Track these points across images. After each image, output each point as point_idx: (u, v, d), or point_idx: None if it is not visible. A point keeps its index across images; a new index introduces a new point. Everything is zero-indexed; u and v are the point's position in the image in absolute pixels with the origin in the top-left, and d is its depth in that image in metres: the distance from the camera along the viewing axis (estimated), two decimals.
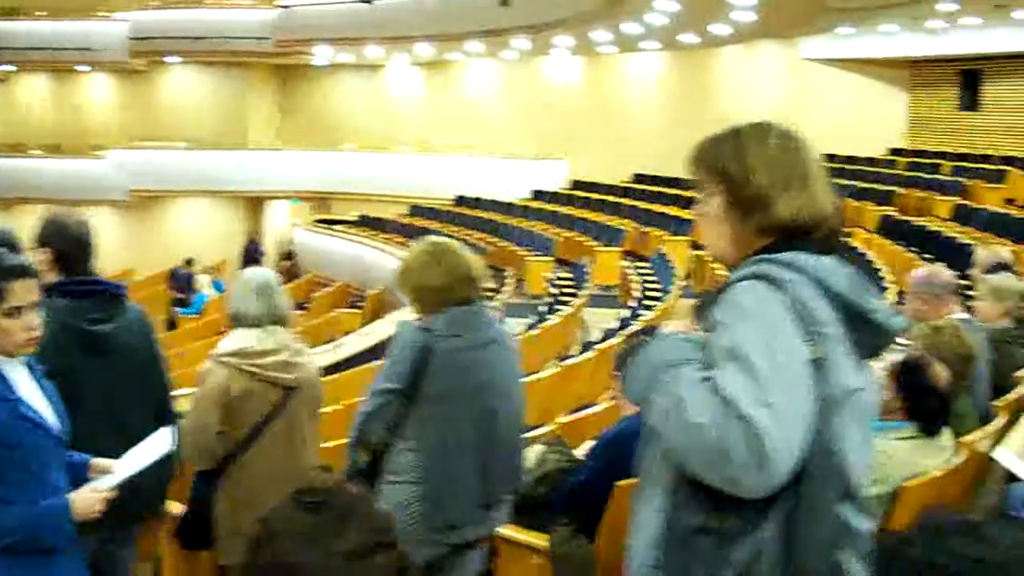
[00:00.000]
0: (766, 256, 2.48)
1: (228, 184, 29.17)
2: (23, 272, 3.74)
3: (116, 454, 4.16)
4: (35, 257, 4.66)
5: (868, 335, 2.47)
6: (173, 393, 4.86)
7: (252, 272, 5.05)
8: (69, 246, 4.80)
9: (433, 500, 4.36)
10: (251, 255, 26.38)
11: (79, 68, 32.03)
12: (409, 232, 24.64)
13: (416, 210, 26.60)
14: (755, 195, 2.56)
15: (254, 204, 30.77)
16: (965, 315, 6.38)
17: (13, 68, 32.62)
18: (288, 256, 27.87)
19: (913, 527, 1.40)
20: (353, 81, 31.00)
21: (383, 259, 20.65)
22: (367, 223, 25.96)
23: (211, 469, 4.89)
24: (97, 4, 31.20)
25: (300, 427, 4.93)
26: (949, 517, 1.40)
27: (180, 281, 23.56)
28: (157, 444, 4.07)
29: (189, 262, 24.06)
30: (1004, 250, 9.83)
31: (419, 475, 4.37)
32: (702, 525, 2.42)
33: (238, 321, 4.91)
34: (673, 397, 2.34)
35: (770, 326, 2.33)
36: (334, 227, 26.16)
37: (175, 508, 5.03)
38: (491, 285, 18.24)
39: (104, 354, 4.66)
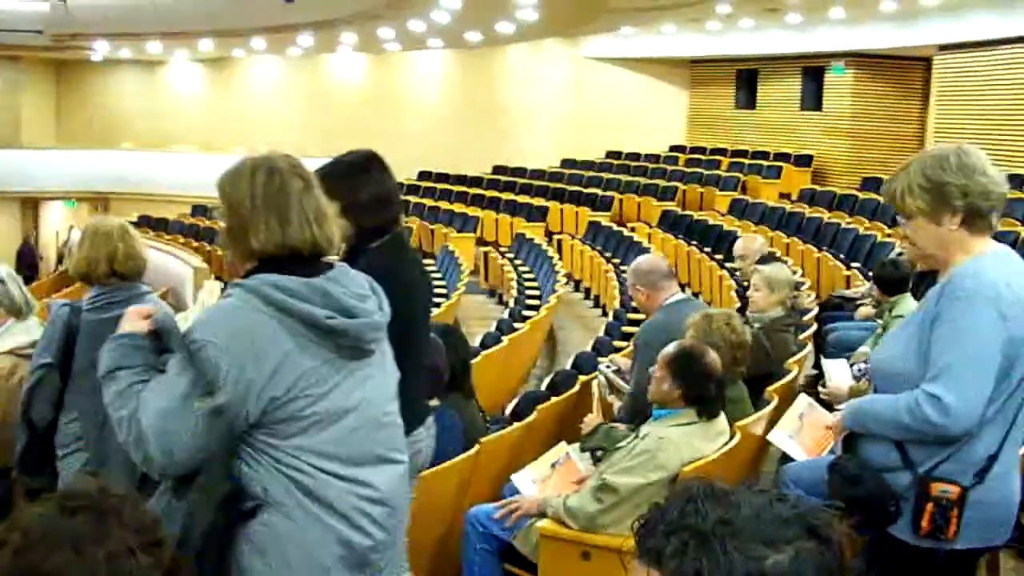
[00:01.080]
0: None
1: (0, 184, 28.07)
2: None
3: None
4: None
5: None
6: None
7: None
8: None
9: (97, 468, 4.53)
10: (26, 257, 25.47)
11: None
12: (194, 232, 24.16)
13: (198, 210, 26.09)
14: None
15: (29, 205, 29.68)
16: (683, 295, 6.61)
17: None
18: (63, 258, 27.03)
19: (671, 493, 1.57)
20: (133, 77, 30.20)
21: (167, 260, 20.19)
22: (149, 224, 25.33)
23: None
24: None
25: None
26: (702, 483, 1.56)
27: None
28: None
29: None
30: (760, 238, 10.18)
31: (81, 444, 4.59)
32: None
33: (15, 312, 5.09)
34: None
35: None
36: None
37: None
38: None
39: None
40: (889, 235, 14.05)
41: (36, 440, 4.64)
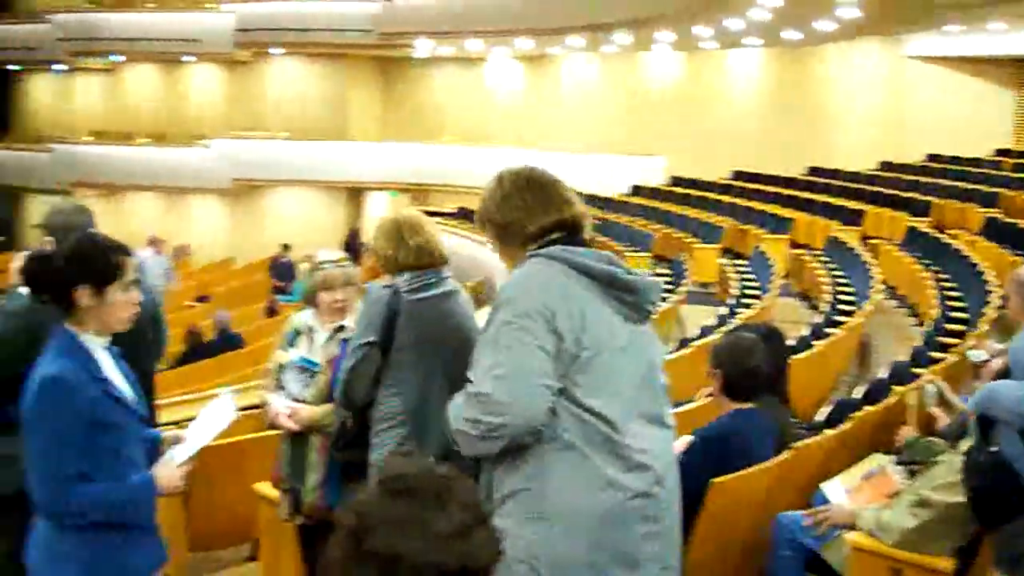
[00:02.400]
0: None
1: (329, 174, 29.46)
2: (129, 249, 3.91)
3: None
4: (46, 246, 5.18)
5: None
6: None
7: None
8: (55, 230, 5.37)
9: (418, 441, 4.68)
10: (351, 245, 26.57)
11: (185, 59, 32.52)
12: None
13: None
14: None
15: (354, 195, 31.04)
16: None
17: (122, 59, 33.29)
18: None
19: None
20: (453, 74, 31.13)
21: (480, 251, 20.67)
22: (465, 215, 26.00)
23: None
24: None
25: None
26: None
27: (281, 269, 23.88)
28: (222, 411, 4.18)
29: (286, 247, 24.36)
30: None
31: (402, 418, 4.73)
32: None
33: None
34: None
35: None
36: (432, 219, 26.17)
37: None
38: None
39: None
40: None
41: (353, 417, 4.86)
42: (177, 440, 4.09)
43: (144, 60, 33.40)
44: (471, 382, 3.39)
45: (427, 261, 4.85)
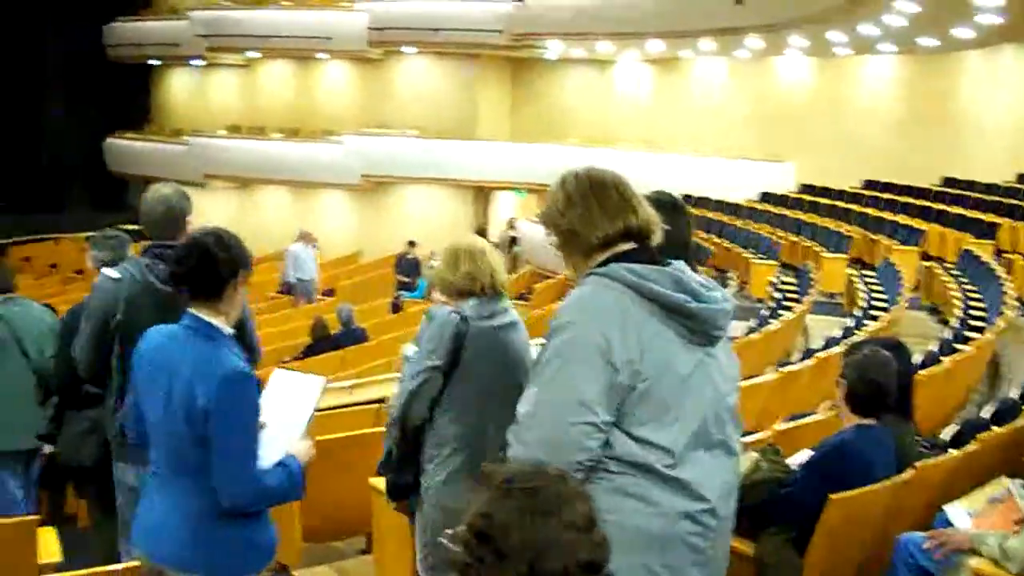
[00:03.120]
0: None
1: (456, 173, 29.66)
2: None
3: None
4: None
5: None
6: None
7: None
8: (152, 218, 5.42)
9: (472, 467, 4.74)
10: None
11: (319, 56, 33.01)
12: None
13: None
14: None
15: (481, 194, 31.21)
16: None
17: (258, 55, 33.94)
18: (511, 246, 28.02)
19: None
20: (583, 76, 31.12)
21: None
22: None
23: None
24: None
25: None
26: None
27: (406, 265, 24.10)
28: (309, 388, 4.19)
29: (411, 244, 24.57)
30: None
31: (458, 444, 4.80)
32: None
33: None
34: None
35: None
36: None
37: None
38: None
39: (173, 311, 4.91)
40: None
41: (405, 439, 4.89)
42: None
43: (278, 56, 34.01)
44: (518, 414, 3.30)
45: (477, 288, 4.90)
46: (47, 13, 34.69)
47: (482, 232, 28.16)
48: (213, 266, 3.85)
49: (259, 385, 3.94)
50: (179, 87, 37.22)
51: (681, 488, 3.25)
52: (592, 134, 29.28)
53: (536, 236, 23.82)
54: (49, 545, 5.81)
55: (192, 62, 35.36)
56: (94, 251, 6.38)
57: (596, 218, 3.39)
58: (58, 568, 5.64)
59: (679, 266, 3.36)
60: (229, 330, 3.96)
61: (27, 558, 5.52)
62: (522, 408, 3.25)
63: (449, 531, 2.15)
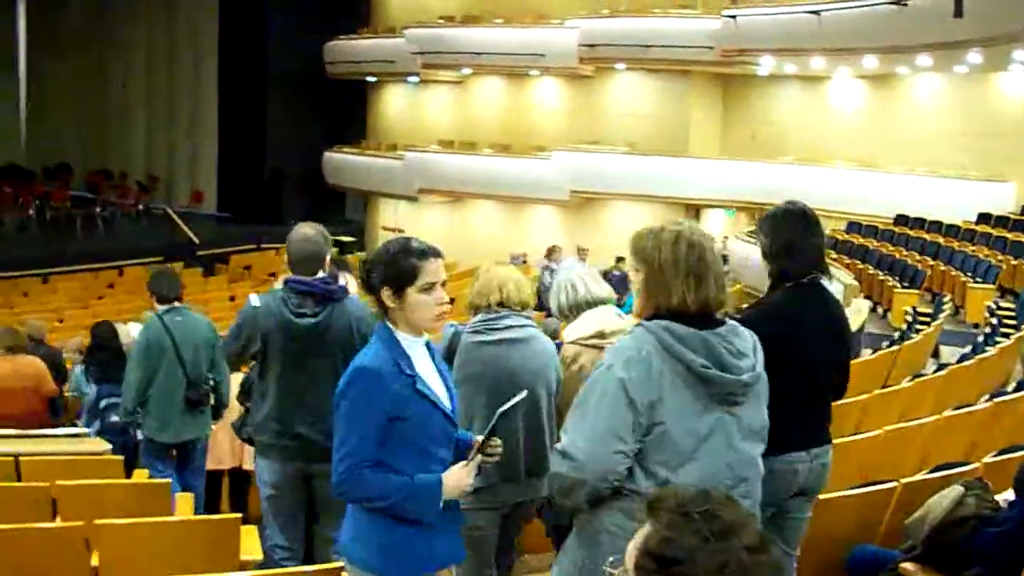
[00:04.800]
0: None
1: (666, 190, 29.51)
2: (431, 253, 4.20)
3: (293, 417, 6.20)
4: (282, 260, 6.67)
5: None
6: None
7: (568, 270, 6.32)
8: (291, 252, 6.35)
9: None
10: None
11: (530, 73, 33.36)
12: (846, 249, 24.09)
13: (853, 226, 26.01)
14: None
15: (689, 211, 30.99)
16: None
17: (469, 71, 34.49)
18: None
19: None
20: (795, 93, 30.62)
21: None
22: None
23: None
24: (550, 13, 32.47)
25: None
26: None
27: (614, 281, 23.98)
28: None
29: (619, 260, 24.60)
30: None
31: None
32: None
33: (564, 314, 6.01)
34: None
35: None
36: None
37: None
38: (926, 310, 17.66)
39: (300, 342, 6.21)
40: None
41: None
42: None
43: (490, 73, 34.48)
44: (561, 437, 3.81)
45: (484, 304, 5.69)
46: (271, 32, 36.03)
47: None
48: (365, 279, 4.23)
49: None
50: (394, 103, 38.10)
51: None
52: (805, 152, 28.75)
53: (748, 255, 23.60)
54: (250, 542, 6.30)
55: (407, 79, 36.15)
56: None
57: (683, 291, 3.76)
58: (258, 566, 6.14)
59: (726, 330, 3.81)
60: (413, 339, 4.23)
61: (230, 554, 5.95)
62: (566, 434, 3.75)
63: (613, 558, 2.23)
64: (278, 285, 6.80)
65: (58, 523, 6.60)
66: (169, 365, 8.44)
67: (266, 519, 6.56)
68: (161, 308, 8.64)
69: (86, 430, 9.20)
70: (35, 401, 10.26)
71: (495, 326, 5.66)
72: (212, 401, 8.75)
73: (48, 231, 32.28)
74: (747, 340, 3.87)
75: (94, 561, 5.99)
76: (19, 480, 7.61)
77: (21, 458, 7.74)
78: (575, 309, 5.92)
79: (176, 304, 8.70)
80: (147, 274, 10.22)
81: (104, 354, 10.50)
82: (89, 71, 40.09)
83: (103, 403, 9.67)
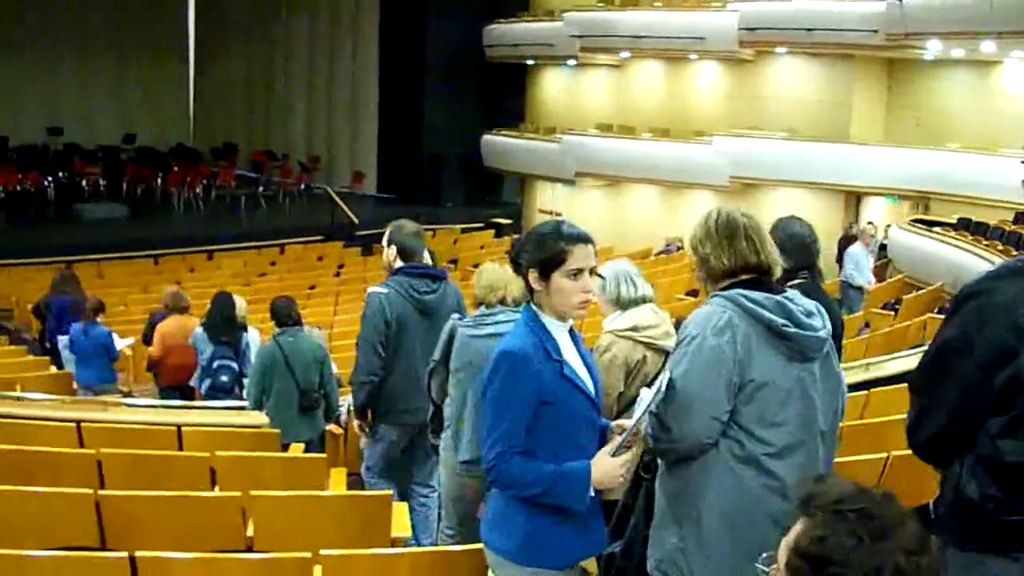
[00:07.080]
0: None
1: (826, 176, 28.92)
2: (582, 238, 4.16)
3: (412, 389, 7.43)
4: (387, 251, 7.60)
5: None
6: None
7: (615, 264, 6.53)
8: (404, 244, 7.55)
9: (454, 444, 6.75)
10: (841, 252, 25.94)
11: (690, 56, 33.09)
12: (1013, 240, 23.38)
13: (1020, 217, 25.25)
14: None
15: (851, 198, 30.40)
16: None
17: (628, 55, 34.36)
18: (881, 253, 26.99)
19: None
20: (963, 77, 29.73)
21: (982, 266, 19.78)
22: (967, 227, 24.85)
23: None
24: None
25: None
26: None
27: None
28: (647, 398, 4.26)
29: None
30: None
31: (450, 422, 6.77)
32: None
33: (620, 304, 6.24)
34: None
35: None
36: (931, 229, 25.02)
37: None
38: None
39: (428, 315, 7.52)
40: None
41: (437, 411, 6.93)
42: (623, 432, 4.13)
43: (649, 57, 34.26)
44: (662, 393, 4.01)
45: (489, 299, 6.63)
46: (430, 16, 36.34)
47: (850, 239, 27.32)
48: (513, 260, 4.33)
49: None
50: (552, 86, 38.15)
51: (774, 480, 3.97)
52: (974, 139, 27.91)
53: (913, 244, 23.04)
54: (402, 519, 6.54)
55: (566, 62, 36.19)
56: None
57: (724, 253, 4.16)
58: (407, 544, 6.39)
59: (791, 295, 4.16)
60: (558, 323, 4.22)
61: (381, 530, 6.15)
62: (663, 404, 3.98)
63: (765, 555, 2.19)
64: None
65: (216, 492, 6.90)
66: (283, 379, 9.71)
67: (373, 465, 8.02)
68: (277, 330, 10.00)
69: (244, 403, 10.17)
70: (194, 355, 11.66)
71: (486, 322, 6.53)
72: (323, 405, 10.06)
73: (213, 209, 33.08)
74: (810, 303, 4.18)
75: (249, 531, 6.22)
76: (181, 449, 8.04)
77: (183, 428, 8.23)
78: (631, 304, 6.23)
79: (289, 328, 9.99)
80: (306, 253, 13.21)
81: (221, 320, 11.54)
82: (253, 58, 41.32)
83: (215, 363, 11.12)
